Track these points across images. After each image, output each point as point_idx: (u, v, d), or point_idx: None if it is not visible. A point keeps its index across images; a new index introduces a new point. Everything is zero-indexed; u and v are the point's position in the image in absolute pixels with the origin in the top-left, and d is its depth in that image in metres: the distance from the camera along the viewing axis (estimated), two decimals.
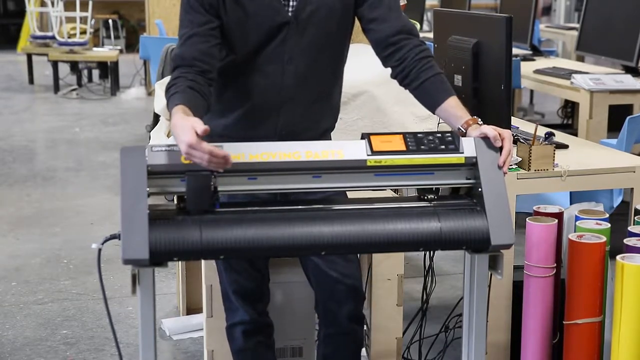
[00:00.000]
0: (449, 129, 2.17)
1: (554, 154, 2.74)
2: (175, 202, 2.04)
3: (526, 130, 3.17)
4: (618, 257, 2.21)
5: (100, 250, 1.94)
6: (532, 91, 8.11)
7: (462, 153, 2.05)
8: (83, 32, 9.84)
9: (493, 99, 2.94)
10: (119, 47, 10.87)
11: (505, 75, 2.86)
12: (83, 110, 8.67)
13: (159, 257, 1.89)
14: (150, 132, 3.62)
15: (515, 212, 2.75)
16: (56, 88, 9.57)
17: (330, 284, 2.40)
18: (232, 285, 2.44)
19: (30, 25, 10.42)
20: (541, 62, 5.69)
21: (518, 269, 2.70)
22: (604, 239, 2.34)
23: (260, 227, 1.94)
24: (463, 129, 2.14)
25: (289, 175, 2.01)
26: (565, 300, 2.41)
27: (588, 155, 3.01)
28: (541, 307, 2.47)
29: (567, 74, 4.90)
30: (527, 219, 2.46)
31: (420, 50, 2.26)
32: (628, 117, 3.60)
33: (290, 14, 2.25)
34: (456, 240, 1.99)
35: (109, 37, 12.40)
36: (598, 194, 3.38)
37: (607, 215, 2.49)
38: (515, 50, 5.34)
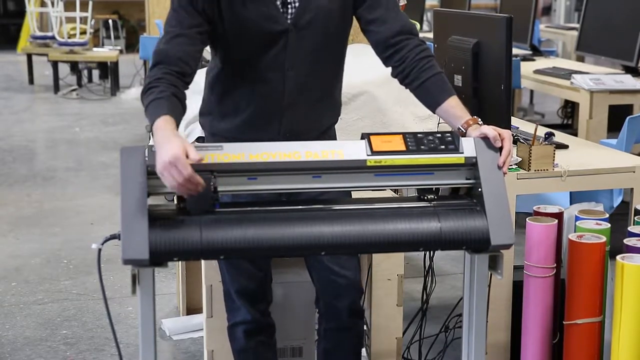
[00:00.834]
0: (449, 129, 2.17)
1: (554, 154, 2.74)
2: (175, 202, 2.04)
3: (526, 130, 3.17)
4: (618, 257, 2.21)
5: (100, 250, 1.94)
6: (532, 91, 8.10)
7: (462, 153, 2.05)
8: (83, 32, 9.84)
9: (493, 99, 2.94)
10: (119, 47, 10.87)
11: (505, 75, 2.86)
12: (83, 110, 8.67)
13: (159, 257, 1.89)
14: (150, 132, 3.61)
15: (515, 212, 2.75)
16: (56, 88, 9.57)
17: (332, 278, 2.41)
18: (234, 285, 2.44)
19: (30, 25, 10.42)
20: (541, 62, 5.69)
21: (518, 269, 2.70)
22: (604, 239, 2.34)
23: (260, 227, 1.94)
24: (463, 129, 2.14)
25: (288, 175, 2.01)
26: (565, 300, 2.41)
27: (588, 155, 3.00)
28: (541, 307, 2.47)
29: (567, 74, 4.90)
30: (527, 219, 2.46)
31: (420, 50, 2.26)
32: (628, 117, 3.60)
33: (289, 21, 2.23)
34: (456, 240, 2.00)
35: (109, 37, 12.40)
36: (598, 194, 3.38)
37: (607, 215, 2.49)
38: (515, 50, 5.33)
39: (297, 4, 2.23)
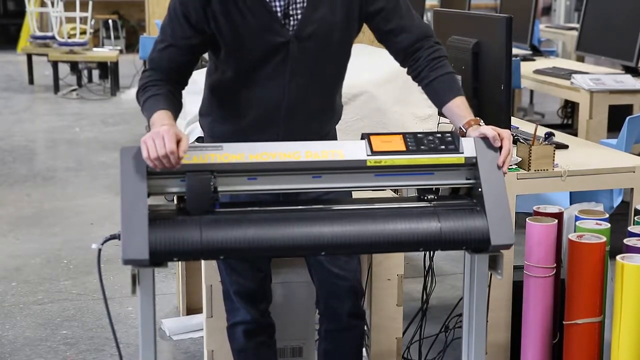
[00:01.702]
0: (449, 129, 2.17)
1: (554, 154, 2.74)
2: (175, 202, 2.04)
3: (526, 130, 3.17)
4: (618, 257, 2.21)
5: (100, 250, 1.94)
6: (532, 91, 8.10)
7: (462, 153, 2.05)
8: (83, 33, 9.84)
9: (493, 99, 2.94)
10: (119, 48, 10.87)
11: (505, 75, 2.86)
12: (83, 110, 8.67)
13: (159, 257, 1.89)
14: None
15: (515, 212, 2.75)
16: (56, 88, 9.57)
17: (332, 280, 2.41)
18: (233, 286, 2.44)
19: (30, 25, 10.42)
20: (541, 62, 5.69)
21: (518, 269, 2.70)
22: (604, 239, 2.34)
23: (260, 227, 1.94)
24: (464, 129, 2.14)
25: (288, 175, 2.01)
26: (565, 300, 2.41)
27: (588, 155, 3.01)
28: (541, 307, 2.47)
29: (567, 74, 4.90)
30: (527, 219, 2.46)
31: (434, 50, 2.26)
32: (628, 117, 3.60)
33: (290, 32, 2.19)
34: (456, 240, 2.00)
35: (109, 37, 12.39)
36: (598, 194, 3.38)
37: (607, 215, 2.50)
38: (515, 50, 5.34)
39: (299, 16, 2.19)
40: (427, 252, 2.97)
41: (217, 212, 1.98)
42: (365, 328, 2.95)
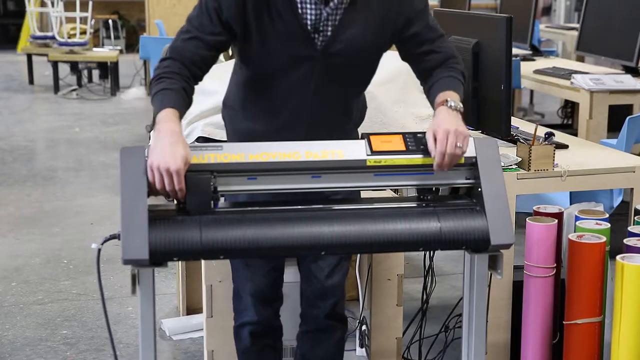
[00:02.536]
0: None
1: (554, 154, 2.74)
2: (175, 202, 2.04)
3: (526, 130, 3.17)
4: (618, 257, 2.21)
5: (100, 250, 1.94)
6: (532, 91, 8.11)
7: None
8: (83, 33, 9.84)
9: (493, 99, 2.94)
10: (119, 47, 10.87)
11: (505, 75, 2.86)
12: (83, 110, 8.67)
13: (158, 257, 1.89)
14: (150, 132, 3.62)
15: (515, 212, 2.75)
16: (56, 88, 9.57)
17: (313, 282, 2.42)
18: (247, 283, 2.40)
19: (30, 25, 10.42)
20: (541, 62, 5.69)
21: (518, 269, 2.70)
22: (604, 239, 2.34)
23: (260, 227, 1.94)
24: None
25: (288, 175, 2.01)
26: (565, 300, 2.41)
27: (588, 155, 3.00)
28: (541, 307, 2.47)
29: (567, 74, 4.90)
30: (527, 219, 2.46)
31: (453, 64, 2.25)
32: (628, 117, 3.60)
33: (318, 48, 2.17)
34: (456, 240, 1.99)
35: (109, 37, 12.40)
36: (598, 194, 3.38)
37: (607, 215, 2.49)
38: (515, 50, 5.34)
39: (329, 33, 2.17)
40: (427, 252, 2.97)
41: (217, 212, 1.98)
42: (365, 328, 2.96)
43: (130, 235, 1.86)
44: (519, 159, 2.73)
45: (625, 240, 2.33)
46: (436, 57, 2.25)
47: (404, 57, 2.32)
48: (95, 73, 10.05)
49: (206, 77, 2.22)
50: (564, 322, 2.41)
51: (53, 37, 9.81)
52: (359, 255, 2.96)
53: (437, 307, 3.57)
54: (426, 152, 2.04)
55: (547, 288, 2.46)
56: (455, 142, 2.01)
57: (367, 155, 2.02)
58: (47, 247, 4.57)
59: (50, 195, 5.59)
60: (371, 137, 2.05)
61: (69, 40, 9.66)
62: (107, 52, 9.89)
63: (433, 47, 2.25)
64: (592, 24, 5.35)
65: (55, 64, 9.51)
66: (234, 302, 2.48)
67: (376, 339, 2.87)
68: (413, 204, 2.07)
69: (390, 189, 2.66)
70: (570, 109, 6.78)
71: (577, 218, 2.49)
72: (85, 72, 9.97)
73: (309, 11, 2.14)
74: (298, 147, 2.02)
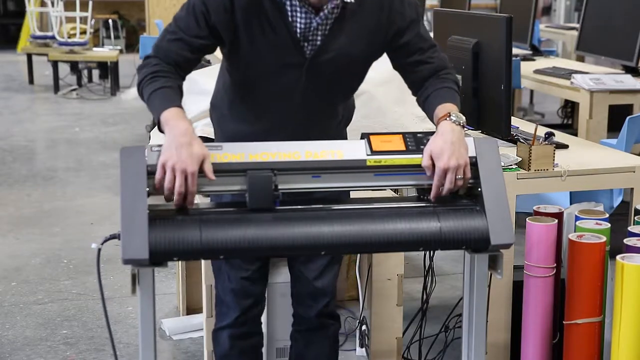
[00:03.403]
0: None
1: (554, 154, 2.74)
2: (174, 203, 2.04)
3: (526, 130, 3.17)
4: (618, 257, 2.21)
5: (100, 250, 1.94)
6: (532, 91, 8.10)
7: (467, 154, 2.04)
8: (83, 32, 9.84)
9: (493, 99, 2.94)
10: (119, 47, 10.87)
11: (505, 75, 2.86)
12: (83, 110, 8.67)
13: (158, 257, 1.89)
14: (150, 132, 3.62)
15: (515, 212, 2.75)
16: (56, 88, 9.57)
17: (303, 284, 2.42)
18: (228, 288, 2.38)
19: (30, 25, 10.42)
20: (541, 62, 5.69)
21: (518, 269, 2.70)
22: (604, 239, 2.34)
23: (260, 227, 1.94)
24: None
25: (288, 175, 2.01)
26: (565, 300, 2.41)
27: (588, 155, 3.01)
28: (541, 307, 2.47)
29: (567, 74, 4.90)
30: (527, 219, 2.46)
31: (446, 75, 2.23)
32: (628, 117, 3.60)
33: (307, 56, 2.16)
34: (456, 240, 1.99)
35: (109, 37, 12.40)
36: (598, 194, 3.38)
37: (607, 215, 2.49)
38: (515, 50, 5.34)
39: (318, 42, 2.16)
40: (427, 252, 2.97)
41: (217, 212, 1.98)
42: (365, 328, 2.96)
43: (130, 235, 1.85)
44: (519, 159, 2.73)
45: (625, 240, 2.33)
46: (428, 67, 2.23)
47: (395, 67, 2.30)
48: (95, 73, 10.05)
49: (205, 77, 2.21)
50: (564, 322, 2.41)
51: (53, 37, 9.81)
52: (359, 255, 2.96)
53: (437, 307, 3.57)
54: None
55: (547, 288, 2.46)
56: (455, 178, 1.99)
57: (367, 155, 2.02)
58: (47, 247, 4.57)
59: (50, 195, 5.59)
60: (371, 137, 2.04)
61: (69, 40, 9.66)
62: (107, 52, 9.89)
63: (424, 57, 2.23)
64: (592, 24, 5.35)
65: (55, 64, 9.51)
66: (216, 307, 2.47)
67: (376, 339, 2.87)
68: (413, 204, 2.07)
69: (390, 189, 2.66)
70: (570, 109, 6.78)
71: (577, 218, 2.49)
72: (85, 72, 9.97)
73: (299, 20, 2.13)
74: (298, 147, 2.02)
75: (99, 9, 12.15)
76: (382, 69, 2.36)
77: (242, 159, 1.98)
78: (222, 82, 2.34)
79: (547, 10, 11.76)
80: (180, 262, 3.49)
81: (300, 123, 2.25)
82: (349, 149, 2.03)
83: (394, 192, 2.73)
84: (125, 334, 3.49)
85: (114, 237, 1.93)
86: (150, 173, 1.93)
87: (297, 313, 2.50)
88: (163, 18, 8.98)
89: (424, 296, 3.01)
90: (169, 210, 1.97)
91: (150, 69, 2.09)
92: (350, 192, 2.33)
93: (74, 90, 9.56)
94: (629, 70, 5.01)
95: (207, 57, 2.47)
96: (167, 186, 1.90)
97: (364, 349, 3.11)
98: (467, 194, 2.10)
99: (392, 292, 2.82)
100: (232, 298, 2.40)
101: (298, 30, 2.13)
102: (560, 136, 3.19)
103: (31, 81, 10.19)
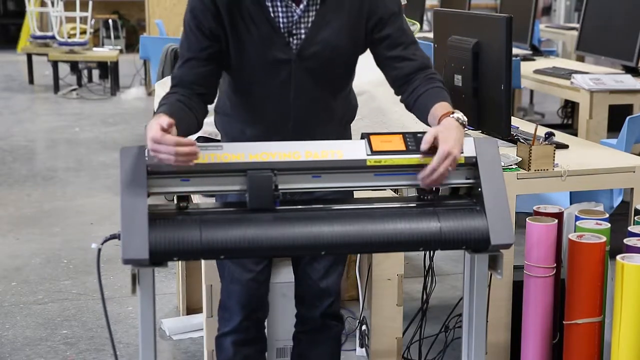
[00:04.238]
0: None
1: (554, 154, 2.74)
2: (175, 202, 2.04)
3: (526, 130, 3.17)
4: (618, 257, 2.21)
5: (100, 250, 1.94)
6: (532, 91, 8.11)
7: (462, 153, 2.04)
8: (83, 32, 9.84)
9: (493, 99, 2.94)
10: (119, 47, 10.87)
11: (505, 75, 2.86)
12: (83, 110, 8.67)
13: (158, 257, 1.89)
14: None
15: (515, 212, 2.75)
16: (56, 88, 9.57)
17: (308, 285, 2.42)
18: (232, 293, 2.39)
19: (30, 25, 10.42)
20: (541, 62, 5.69)
21: (518, 269, 2.70)
22: (604, 239, 2.34)
23: (260, 227, 1.94)
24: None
25: (288, 175, 2.01)
26: (565, 300, 2.41)
27: (588, 155, 3.01)
28: (541, 307, 2.47)
29: (567, 74, 4.90)
30: (527, 219, 2.46)
31: (430, 76, 2.23)
32: (628, 117, 3.60)
33: (293, 51, 2.18)
34: (456, 240, 1.99)
35: (109, 37, 12.39)
36: (598, 194, 3.38)
37: (607, 215, 2.50)
38: (515, 50, 5.34)
39: (303, 35, 2.18)
40: (427, 252, 2.97)
41: (217, 212, 1.97)
42: (365, 328, 2.96)
43: (130, 235, 1.86)
44: (519, 159, 2.73)
45: (625, 240, 2.33)
46: (410, 64, 2.23)
47: (378, 63, 2.30)
48: (95, 73, 10.05)
49: None
50: (564, 322, 2.41)
51: (53, 37, 9.81)
52: (359, 255, 2.96)
53: (437, 307, 3.57)
54: (426, 152, 2.03)
55: (547, 288, 2.46)
56: (449, 165, 1.98)
57: (367, 155, 2.02)
58: (47, 247, 4.57)
59: (50, 195, 5.59)
60: (371, 137, 2.04)
61: (69, 40, 9.66)
62: (107, 52, 9.89)
63: (406, 53, 2.24)
64: (592, 24, 5.35)
65: (55, 64, 9.51)
66: (218, 313, 2.47)
67: (376, 339, 2.87)
68: (413, 204, 2.07)
69: (390, 189, 2.66)
70: (570, 109, 6.78)
71: (577, 218, 2.49)
72: (85, 72, 9.97)
73: (280, 14, 2.16)
74: (298, 147, 2.02)
75: (99, 9, 12.14)
76: None
77: (242, 159, 1.98)
78: (223, 88, 2.36)
79: (547, 10, 11.75)
80: (180, 262, 3.49)
81: (298, 121, 2.26)
82: (349, 149, 2.03)
83: (394, 192, 2.73)
84: (125, 334, 3.49)
85: (114, 237, 1.93)
86: (150, 173, 1.93)
87: (300, 314, 2.50)
88: (163, 18, 8.97)
89: (424, 296, 3.01)
90: (169, 211, 1.97)
91: (164, 97, 2.15)
92: (353, 192, 2.33)
93: (74, 90, 9.56)
94: (629, 70, 5.01)
95: None
96: (165, 160, 1.90)
97: (364, 349, 3.11)
98: (467, 194, 2.10)
99: (392, 292, 2.82)
100: (236, 302, 2.40)
101: (281, 25, 2.17)
102: (560, 136, 3.19)
103: (31, 81, 10.19)
